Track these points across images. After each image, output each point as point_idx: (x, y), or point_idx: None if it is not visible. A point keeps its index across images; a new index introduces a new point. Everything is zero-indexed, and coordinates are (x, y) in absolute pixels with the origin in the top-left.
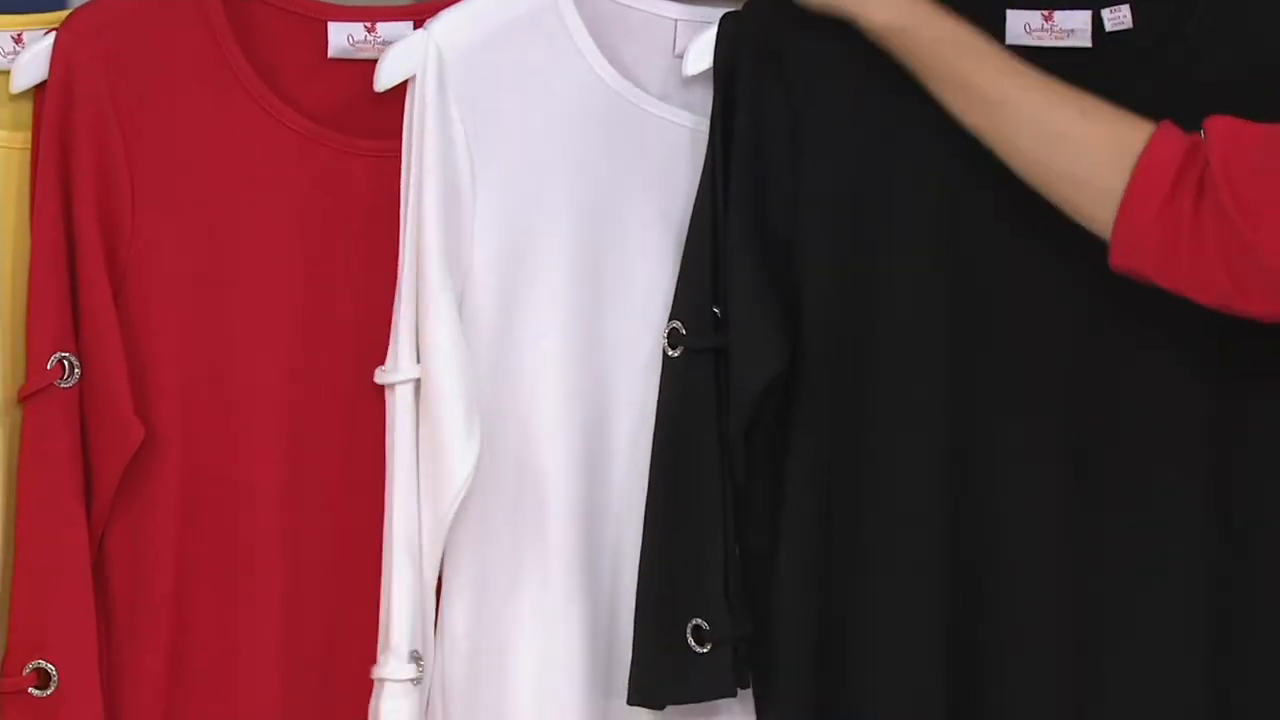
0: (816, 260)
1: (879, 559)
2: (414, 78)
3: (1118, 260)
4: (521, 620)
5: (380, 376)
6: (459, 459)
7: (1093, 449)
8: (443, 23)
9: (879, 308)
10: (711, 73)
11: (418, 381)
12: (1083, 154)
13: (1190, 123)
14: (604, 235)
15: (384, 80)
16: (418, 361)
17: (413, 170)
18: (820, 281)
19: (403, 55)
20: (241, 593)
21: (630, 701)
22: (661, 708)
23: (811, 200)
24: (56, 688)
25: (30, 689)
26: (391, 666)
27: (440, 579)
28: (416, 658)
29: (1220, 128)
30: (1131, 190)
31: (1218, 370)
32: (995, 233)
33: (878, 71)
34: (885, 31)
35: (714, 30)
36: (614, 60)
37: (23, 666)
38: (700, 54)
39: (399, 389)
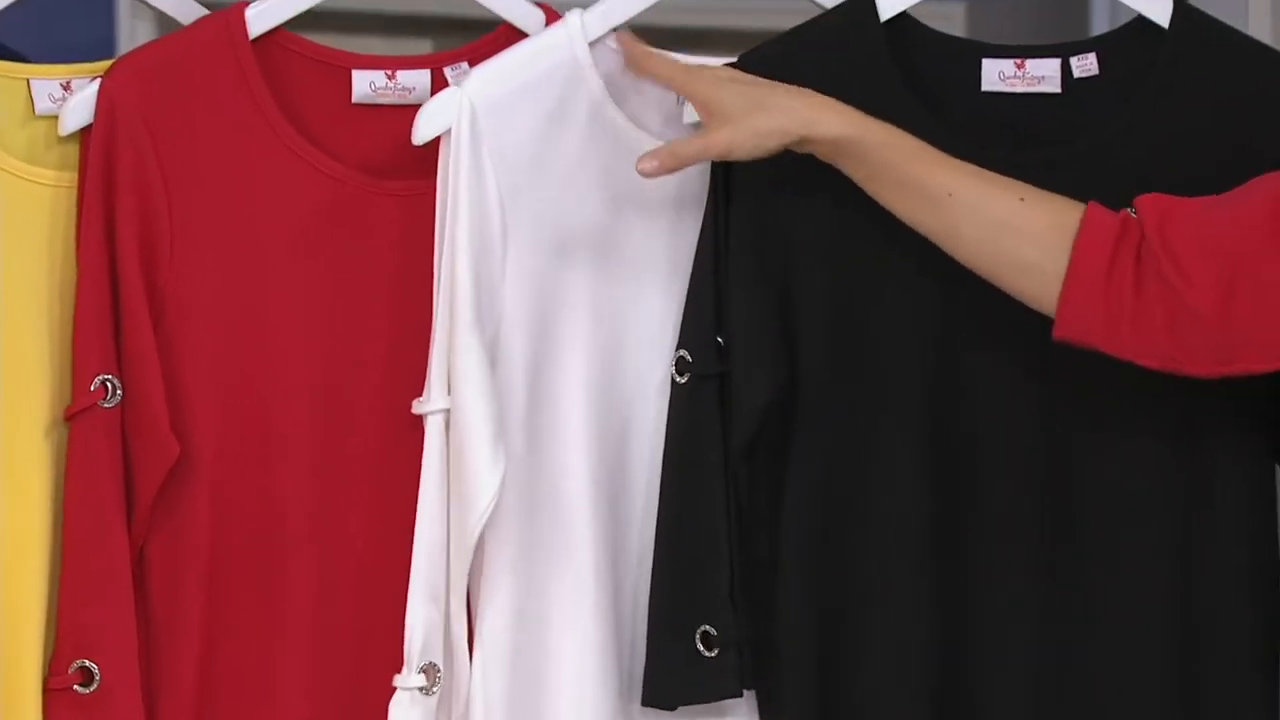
0: (809, 298)
1: (870, 567)
2: (448, 131)
3: (1061, 334)
4: (557, 633)
5: (416, 407)
6: (484, 484)
7: (1072, 465)
8: (474, 80)
9: (865, 341)
10: None
11: (448, 412)
12: (1023, 239)
13: (1156, 164)
14: (622, 272)
15: (422, 134)
16: (449, 394)
17: (448, 216)
18: (813, 317)
19: (439, 110)
20: (271, 597)
21: (644, 702)
22: (673, 708)
23: (805, 244)
24: (99, 685)
25: (75, 686)
26: (404, 675)
27: (472, 595)
28: (430, 669)
29: (1149, 202)
30: (1073, 269)
31: (1187, 444)
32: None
33: (868, 112)
34: (836, 144)
35: None
36: (624, 108)
37: (68, 665)
38: None
39: (431, 419)
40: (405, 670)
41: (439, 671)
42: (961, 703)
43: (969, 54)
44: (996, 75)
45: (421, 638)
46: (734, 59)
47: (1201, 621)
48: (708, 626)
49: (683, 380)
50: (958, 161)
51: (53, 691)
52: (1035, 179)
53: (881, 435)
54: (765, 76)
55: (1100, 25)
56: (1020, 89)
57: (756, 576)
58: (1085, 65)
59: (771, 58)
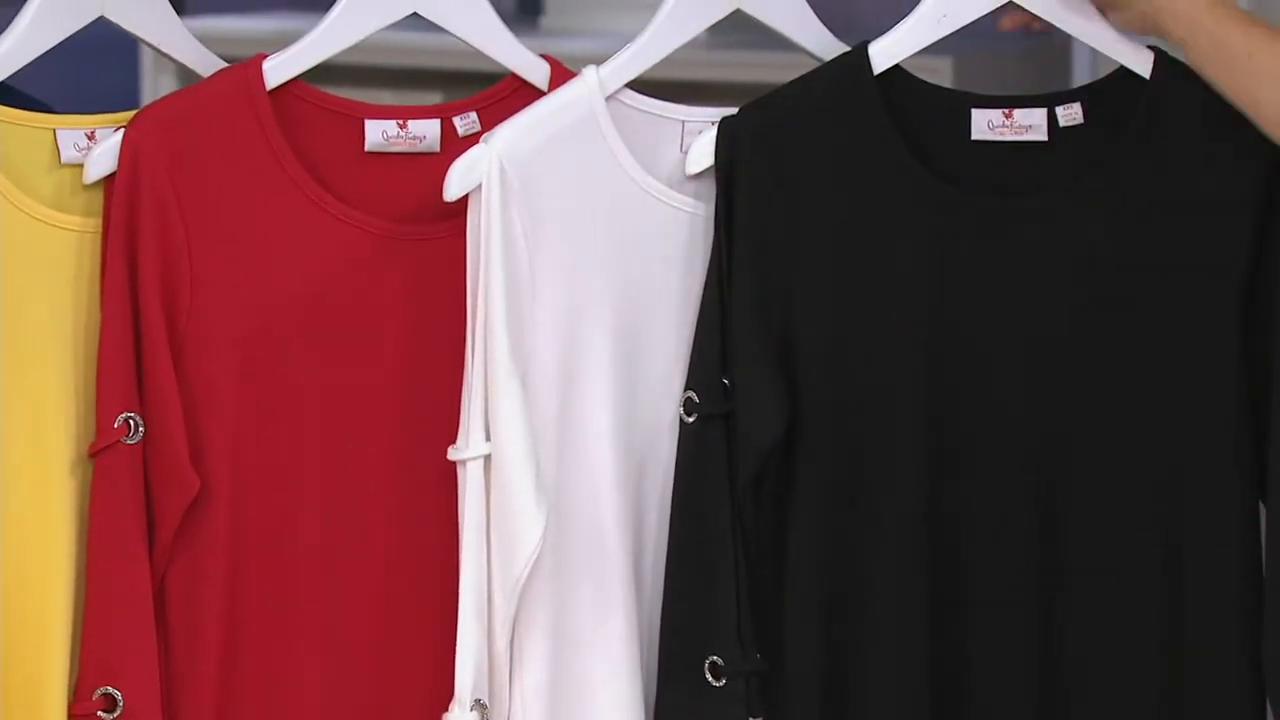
0: (809, 343)
1: (870, 602)
2: (478, 186)
3: None
4: (591, 664)
5: (453, 454)
6: (530, 529)
7: (1059, 510)
8: (501, 136)
9: (862, 379)
10: (713, 170)
11: (487, 458)
12: None
13: (1139, 211)
14: (638, 316)
15: (454, 191)
16: (487, 439)
17: (480, 267)
18: (813, 360)
19: (470, 167)
20: (287, 627)
21: None
22: None
23: (805, 290)
24: (122, 711)
25: (99, 712)
26: (455, 714)
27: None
28: (481, 706)
29: None
30: None
31: (1173, 474)
32: (977, 327)
33: (857, 171)
34: (1152, 3)
35: (713, 132)
36: (639, 158)
37: (92, 692)
38: (701, 155)
39: (470, 465)
40: (458, 708)
41: (487, 708)
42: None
43: (958, 104)
44: (985, 125)
45: (472, 675)
46: (734, 110)
47: (1187, 626)
48: (715, 657)
49: (690, 420)
50: (1262, 24)
51: (77, 717)
52: (1024, 226)
53: (877, 472)
54: (766, 128)
55: (1082, 76)
56: (1009, 138)
57: (763, 608)
58: (1071, 114)
59: (772, 109)
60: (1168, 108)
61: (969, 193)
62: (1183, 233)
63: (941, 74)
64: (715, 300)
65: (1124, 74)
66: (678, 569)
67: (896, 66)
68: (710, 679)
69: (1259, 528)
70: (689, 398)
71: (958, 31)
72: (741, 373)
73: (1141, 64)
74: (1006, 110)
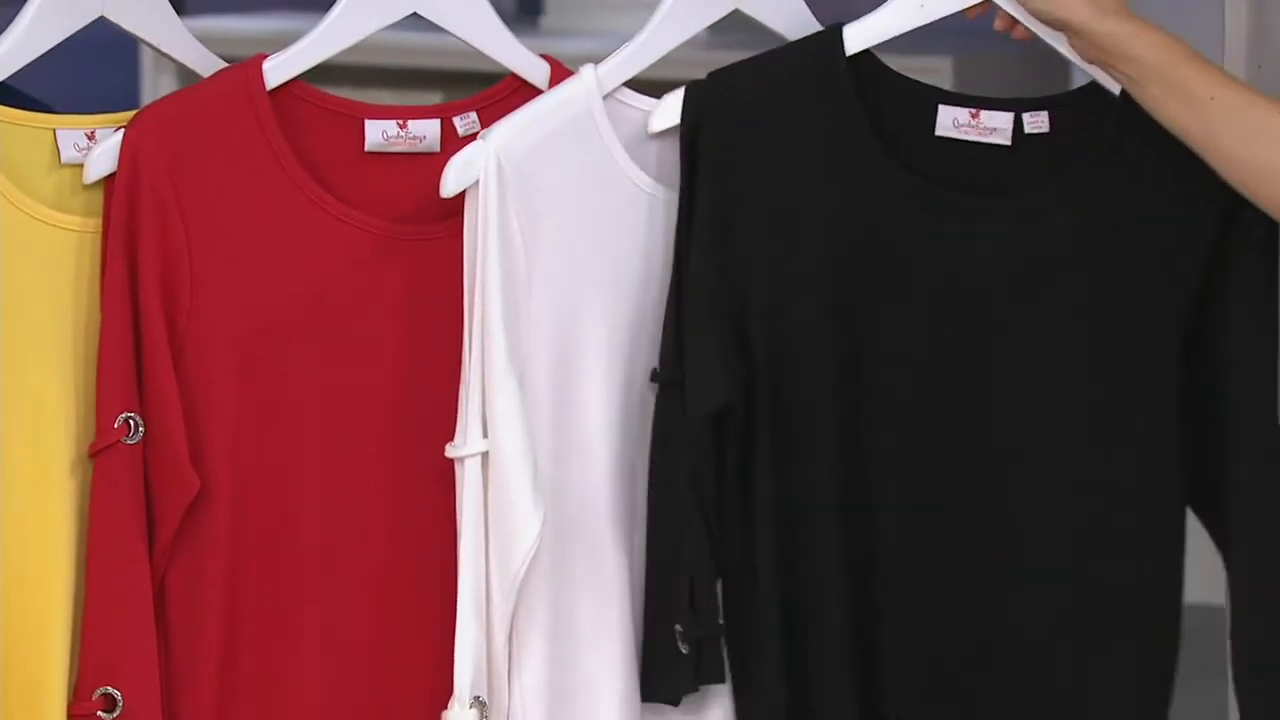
0: (759, 313)
1: (807, 567)
2: (475, 183)
3: None
4: (589, 656)
5: (450, 451)
6: (527, 523)
7: (993, 480)
8: (499, 134)
9: (809, 361)
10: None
11: (484, 455)
12: (1277, 147)
13: (1095, 223)
14: (638, 316)
15: (451, 187)
16: (484, 436)
17: (478, 262)
18: (761, 331)
19: (467, 163)
20: (287, 626)
21: (644, 698)
22: (663, 701)
23: (757, 263)
24: (122, 711)
25: (99, 712)
26: (455, 711)
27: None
28: (480, 703)
29: None
30: None
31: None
32: (921, 317)
33: (821, 151)
34: (1111, 38)
35: (681, 92)
36: (636, 157)
37: (92, 692)
38: (666, 115)
39: (468, 462)
40: (457, 706)
41: (486, 705)
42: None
43: (926, 98)
44: (951, 122)
45: (471, 672)
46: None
47: (1089, 615)
48: (678, 625)
49: (655, 390)
50: (1220, 69)
51: (77, 717)
52: (981, 226)
53: (813, 450)
54: (734, 96)
55: (1080, 80)
56: (972, 137)
57: (732, 576)
58: (1037, 122)
59: (741, 78)
60: (1133, 127)
61: (931, 186)
62: (1135, 251)
63: (942, 74)
64: (676, 273)
65: (1094, 88)
66: (649, 540)
67: (870, 54)
68: (681, 646)
69: (1182, 551)
70: (654, 368)
71: (959, 33)
72: (688, 340)
73: (1112, 80)
74: (973, 110)
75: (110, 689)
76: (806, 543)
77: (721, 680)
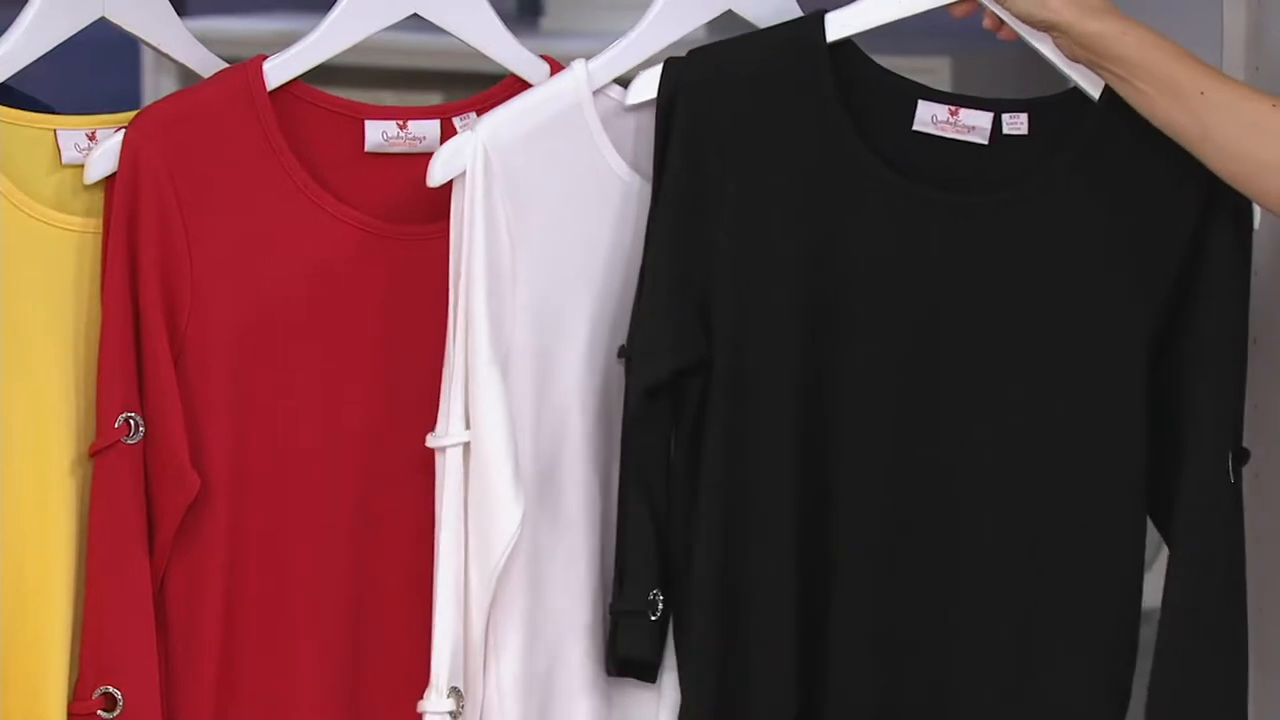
0: (722, 295)
1: (754, 553)
2: (462, 173)
3: None
4: (569, 647)
5: (431, 441)
6: (508, 515)
7: (956, 507)
8: (487, 125)
9: (764, 344)
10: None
11: (466, 445)
12: (1272, 140)
13: (1070, 226)
14: (621, 308)
15: (438, 176)
16: (466, 427)
17: (463, 253)
18: (724, 311)
19: (454, 153)
20: (286, 625)
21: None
22: (615, 674)
23: (722, 243)
24: (122, 710)
25: (99, 711)
26: (431, 701)
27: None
28: (457, 693)
29: None
30: None
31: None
32: (874, 294)
33: (796, 136)
34: (1098, 38)
35: (659, 67)
36: (621, 151)
37: (93, 691)
38: (643, 88)
39: (449, 452)
40: (434, 695)
41: (463, 696)
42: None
43: (906, 92)
44: (929, 118)
45: (448, 662)
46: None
47: (1043, 625)
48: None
49: (621, 364)
50: (1210, 66)
51: (77, 716)
52: (954, 222)
53: (765, 435)
54: (712, 75)
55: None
56: (949, 134)
57: (675, 554)
58: (1016, 124)
59: (721, 58)
60: (1112, 131)
61: (905, 178)
62: (1108, 255)
63: (939, 74)
64: (647, 247)
65: (1075, 93)
66: (618, 510)
67: (852, 44)
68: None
69: (1142, 548)
70: (622, 344)
71: (957, 34)
72: (643, 316)
73: (1093, 84)
74: (953, 108)
75: (110, 688)
76: (755, 529)
77: (644, 656)
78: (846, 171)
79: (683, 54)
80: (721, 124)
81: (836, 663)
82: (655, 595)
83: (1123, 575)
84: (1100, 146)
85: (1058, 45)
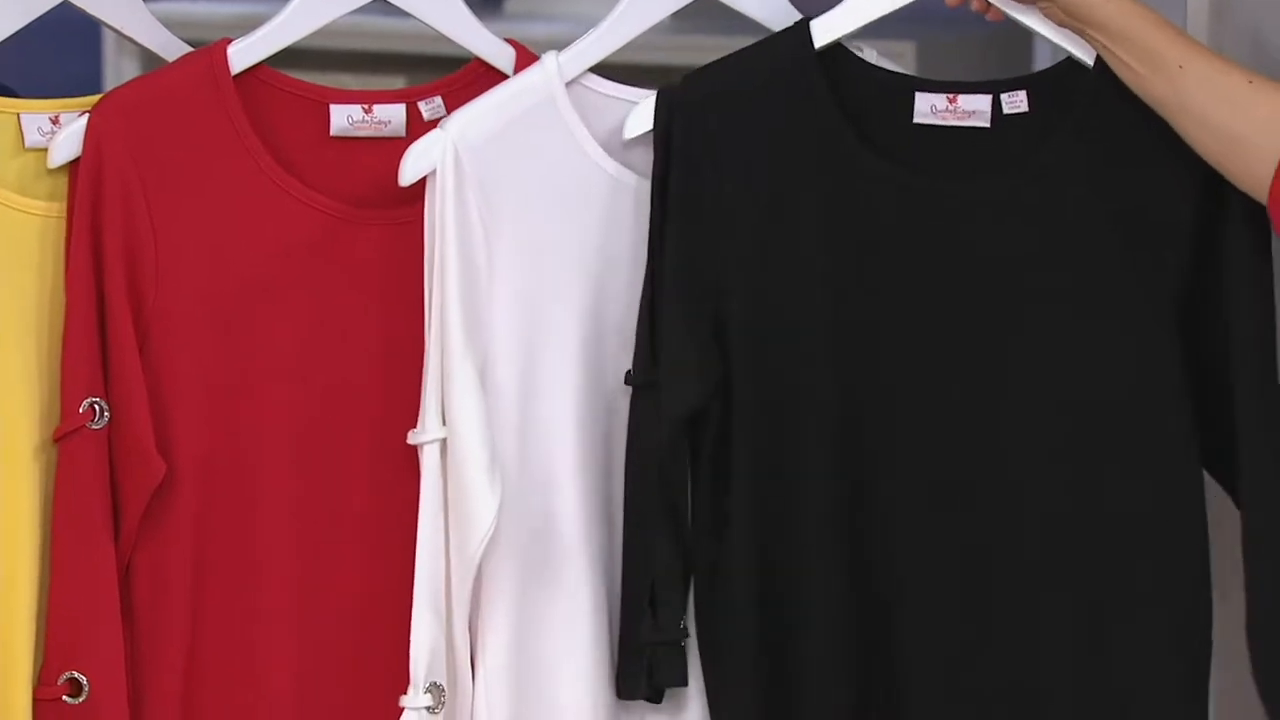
0: (739, 312)
1: (796, 575)
2: (434, 171)
3: (1277, 220)
4: (555, 647)
5: (412, 437)
6: (483, 509)
7: (972, 493)
8: (457, 121)
9: (790, 354)
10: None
11: (444, 441)
12: (1247, 118)
13: (1077, 199)
14: (602, 297)
15: (408, 175)
16: (443, 424)
17: (436, 252)
18: (742, 328)
19: (424, 152)
20: (254, 612)
21: (618, 695)
22: (633, 699)
23: (737, 261)
24: (88, 696)
25: (64, 697)
26: (410, 697)
27: (472, 616)
28: (436, 689)
29: None
30: None
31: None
32: (908, 307)
33: (795, 144)
34: (1081, 4)
35: (654, 99)
36: (602, 142)
37: (58, 676)
38: (639, 120)
39: (427, 449)
40: (412, 691)
41: (443, 691)
42: (885, 692)
43: (902, 86)
44: (929, 108)
45: (427, 657)
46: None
47: (1114, 603)
48: (641, 627)
49: (630, 391)
50: (1192, 38)
51: (42, 702)
52: (962, 210)
53: (800, 447)
54: (705, 98)
55: (1043, 62)
56: (951, 123)
57: (705, 578)
58: (1015, 102)
59: (713, 79)
60: (1111, 98)
61: (909, 173)
62: (1121, 223)
63: (905, 58)
64: (649, 272)
65: (1070, 64)
66: (627, 539)
67: (842, 46)
68: (643, 650)
69: (1204, 517)
70: (629, 370)
71: (923, 18)
72: (666, 343)
73: (1087, 52)
74: (951, 95)
75: (75, 674)
76: (795, 547)
77: (680, 684)
78: (851, 174)
79: (655, 38)
80: (720, 142)
81: (901, 675)
82: (684, 624)
83: (1188, 546)
84: (1101, 113)
85: (1045, 14)
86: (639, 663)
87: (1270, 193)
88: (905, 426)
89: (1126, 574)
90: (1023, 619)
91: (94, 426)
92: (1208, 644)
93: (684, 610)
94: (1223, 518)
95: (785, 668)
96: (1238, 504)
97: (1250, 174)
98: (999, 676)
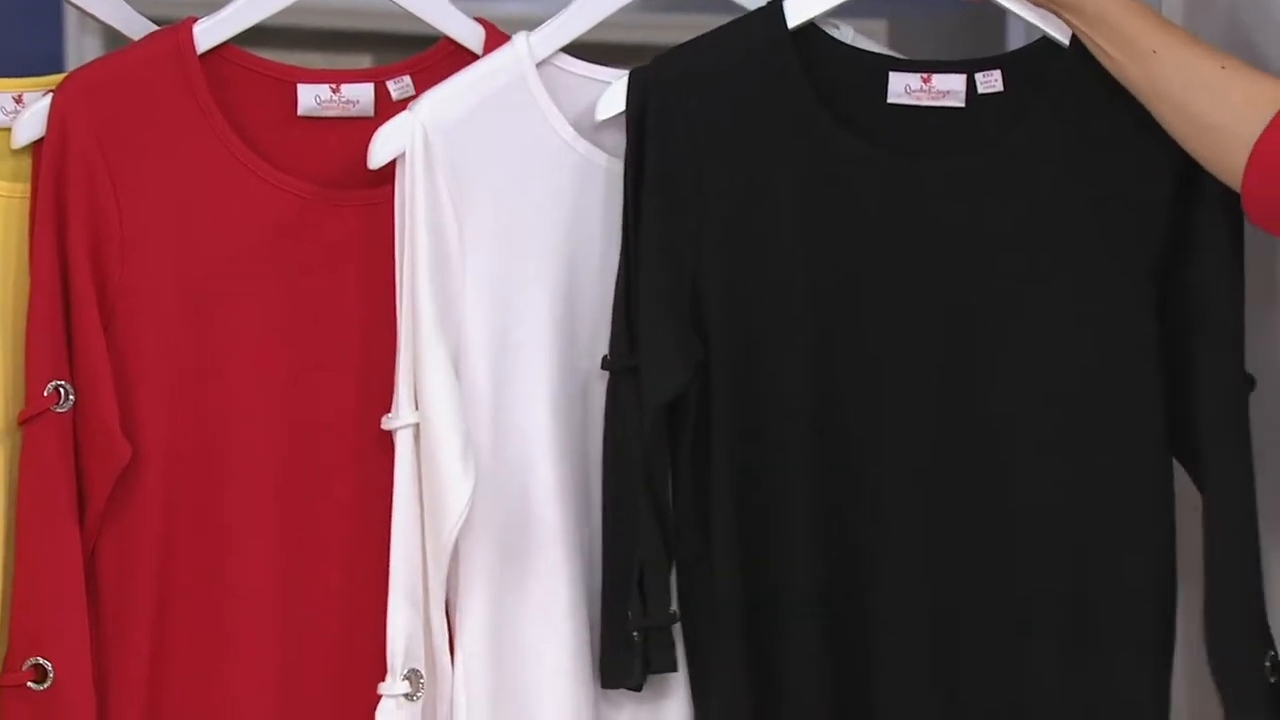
0: (716, 295)
1: (775, 559)
2: (403, 154)
3: (1250, 210)
4: (534, 632)
5: (386, 423)
6: (457, 494)
7: (954, 476)
8: (426, 103)
9: (767, 335)
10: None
11: (417, 426)
12: (1219, 104)
13: (1051, 177)
14: (578, 282)
15: (377, 158)
16: (416, 408)
17: (406, 235)
18: (719, 311)
19: (392, 134)
20: (221, 597)
21: (603, 685)
22: (618, 687)
23: (711, 242)
24: (53, 682)
25: (28, 683)
26: (388, 683)
27: (450, 602)
28: (414, 675)
29: None
30: (1266, 136)
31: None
32: (882, 285)
33: (768, 124)
34: None
35: (625, 80)
36: (574, 122)
37: (22, 663)
38: (611, 102)
39: (400, 433)
40: (390, 678)
41: (422, 678)
42: (866, 680)
43: (876, 66)
44: (903, 88)
45: (404, 645)
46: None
47: (1094, 593)
48: (630, 612)
49: (607, 376)
50: (1168, 23)
51: (6, 688)
52: (936, 188)
53: (782, 431)
54: (679, 79)
55: (1016, 41)
56: (926, 102)
57: (690, 564)
58: (990, 82)
59: (685, 60)
60: (1087, 79)
61: (882, 151)
62: (1097, 203)
63: (877, 36)
64: (624, 254)
65: (1046, 43)
66: (606, 526)
67: (814, 26)
68: (633, 635)
69: (1172, 509)
70: (605, 355)
71: None
72: (644, 327)
73: (1062, 33)
74: (925, 75)
75: (40, 660)
76: (777, 535)
77: (672, 669)
78: (825, 154)
79: (626, 16)
80: (693, 122)
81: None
82: (673, 608)
83: (1157, 524)
84: (1077, 93)
85: None
86: (627, 650)
87: (1244, 181)
88: (886, 408)
89: (1101, 549)
90: (1005, 603)
91: (59, 410)
92: (1172, 631)
93: (670, 596)
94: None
95: (769, 656)
96: (1199, 486)
97: (1224, 161)
98: (980, 663)
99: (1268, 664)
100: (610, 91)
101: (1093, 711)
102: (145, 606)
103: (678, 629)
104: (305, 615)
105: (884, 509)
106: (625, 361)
